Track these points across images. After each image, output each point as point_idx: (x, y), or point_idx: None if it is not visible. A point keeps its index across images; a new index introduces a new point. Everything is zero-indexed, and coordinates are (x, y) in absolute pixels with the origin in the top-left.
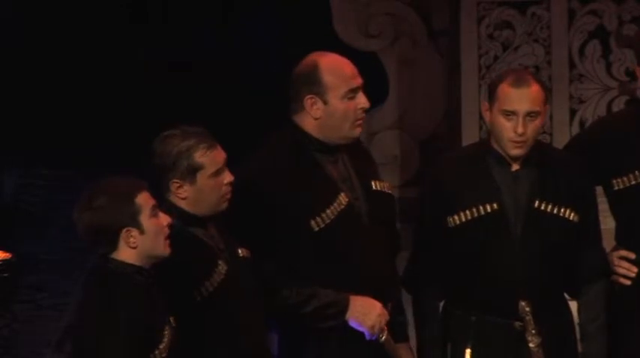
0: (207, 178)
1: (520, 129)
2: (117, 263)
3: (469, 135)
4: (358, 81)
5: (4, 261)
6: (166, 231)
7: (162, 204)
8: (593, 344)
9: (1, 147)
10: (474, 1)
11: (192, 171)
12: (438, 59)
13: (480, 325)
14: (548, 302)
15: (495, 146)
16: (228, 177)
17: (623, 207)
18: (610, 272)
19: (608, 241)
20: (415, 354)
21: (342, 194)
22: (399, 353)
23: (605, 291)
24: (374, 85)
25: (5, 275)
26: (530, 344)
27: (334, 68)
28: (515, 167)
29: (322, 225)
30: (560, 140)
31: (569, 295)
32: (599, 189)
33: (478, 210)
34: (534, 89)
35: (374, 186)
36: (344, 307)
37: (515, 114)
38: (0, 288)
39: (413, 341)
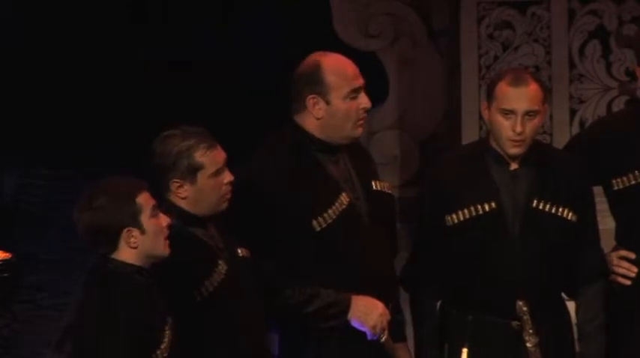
0: (207, 178)
1: (518, 128)
2: (117, 263)
3: (469, 135)
4: (360, 81)
5: (4, 261)
6: (166, 231)
7: (162, 203)
8: (592, 344)
9: (1, 147)
10: (474, 1)
11: (193, 171)
12: (438, 59)
13: (477, 324)
14: (546, 302)
15: (494, 145)
16: (228, 177)
17: (623, 207)
18: (608, 272)
19: (608, 241)
20: (412, 354)
21: (344, 194)
22: (398, 354)
23: (603, 291)
24: (374, 85)
25: (5, 275)
26: (528, 344)
27: (337, 68)
28: (513, 166)
29: (324, 225)
30: (560, 140)
31: (567, 295)
32: (599, 189)
33: (476, 209)
34: (533, 88)
35: (374, 186)
36: (346, 307)
37: (513, 113)
38: (0, 288)
39: (411, 342)
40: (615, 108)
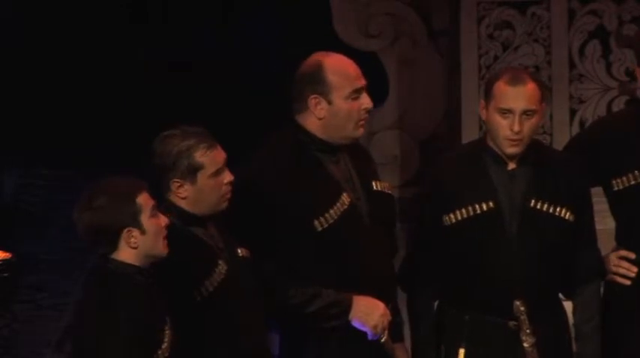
0: (207, 178)
1: (516, 128)
2: (117, 263)
3: (469, 135)
4: (362, 81)
5: (4, 261)
6: (165, 231)
7: (162, 203)
8: (588, 344)
9: (1, 147)
10: (474, 1)
11: (193, 171)
12: (438, 59)
13: (474, 324)
14: (543, 302)
15: (491, 144)
16: (228, 177)
17: (623, 208)
18: (605, 272)
19: (608, 241)
20: (410, 354)
21: (345, 194)
22: (396, 354)
23: (600, 292)
24: (374, 85)
25: (5, 275)
26: (525, 344)
27: (339, 68)
28: (511, 166)
29: (326, 225)
30: (560, 140)
31: (564, 295)
32: (599, 190)
33: (474, 209)
34: (530, 87)
35: (374, 187)
36: (347, 307)
37: (511, 112)
38: (0, 288)
39: (407, 342)
40: (615, 108)
